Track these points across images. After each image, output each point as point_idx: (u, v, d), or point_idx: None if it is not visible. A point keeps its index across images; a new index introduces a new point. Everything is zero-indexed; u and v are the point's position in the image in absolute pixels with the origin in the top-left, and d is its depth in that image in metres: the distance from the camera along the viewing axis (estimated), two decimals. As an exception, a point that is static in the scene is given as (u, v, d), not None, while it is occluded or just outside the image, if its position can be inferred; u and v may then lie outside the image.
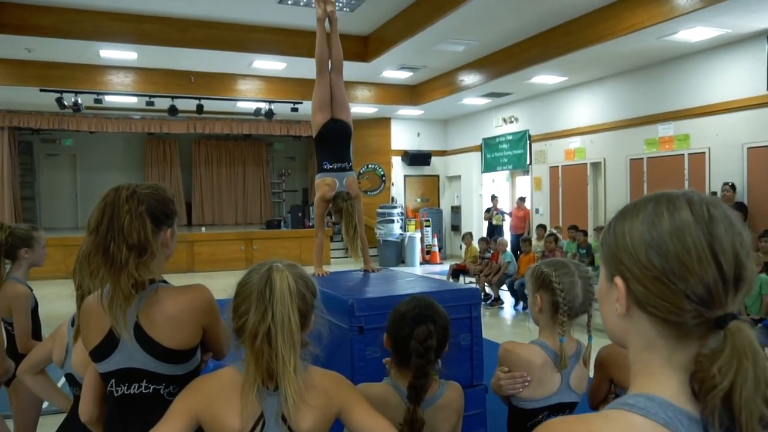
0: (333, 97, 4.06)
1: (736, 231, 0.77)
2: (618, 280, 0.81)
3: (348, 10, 9.09)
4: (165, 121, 14.13)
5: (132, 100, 12.02)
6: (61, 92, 10.88)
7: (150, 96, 11.46)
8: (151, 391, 1.57)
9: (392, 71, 11.72)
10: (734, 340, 0.72)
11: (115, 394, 1.59)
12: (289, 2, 8.68)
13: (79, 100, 11.08)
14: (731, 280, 0.75)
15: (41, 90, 10.74)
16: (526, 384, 1.83)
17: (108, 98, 11.59)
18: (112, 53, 10.00)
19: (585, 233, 9.31)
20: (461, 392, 1.90)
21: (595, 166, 10.95)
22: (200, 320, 1.58)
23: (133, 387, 1.57)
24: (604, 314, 0.88)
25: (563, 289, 1.83)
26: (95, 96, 11.19)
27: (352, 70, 11.33)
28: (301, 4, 8.76)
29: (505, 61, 10.20)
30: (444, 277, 10.37)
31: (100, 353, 1.59)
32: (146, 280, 1.56)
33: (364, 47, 10.62)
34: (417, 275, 3.79)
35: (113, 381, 1.59)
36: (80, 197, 16.43)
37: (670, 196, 0.81)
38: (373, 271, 3.94)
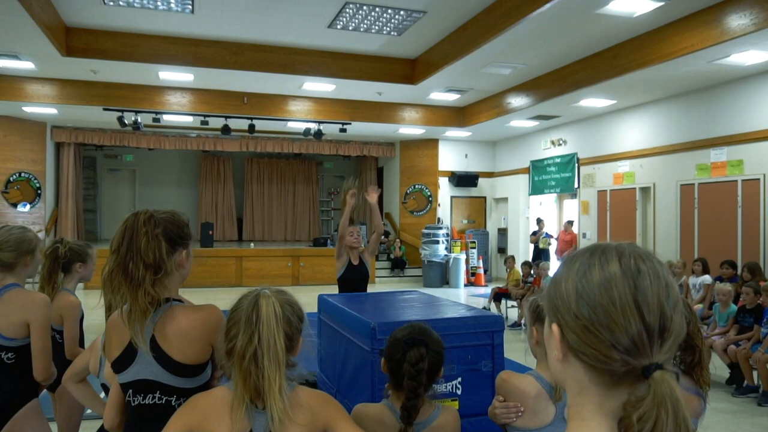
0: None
1: (661, 284, 0.80)
2: (554, 327, 0.85)
3: (396, 34, 9.27)
4: (219, 139, 14.64)
5: (188, 119, 12.52)
6: (123, 111, 11.45)
7: (205, 115, 11.91)
8: (163, 402, 1.71)
9: (440, 93, 11.82)
10: (656, 389, 0.76)
11: (133, 404, 1.74)
12: (338, 26, 8.91)
13: (139, 119, 11.62)
14: (656, 331, 0.78)
15: (104, 109, 11.33)
16: (520, 414, 1.87)
17: (165, 117, 12.12)
18: (170, 75, 10.48)
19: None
20: (457, 416, 1.97)
21: (645, 190, 10.72)
22: (210, 337, 1.71)
23: (148, 397, 1.71)
24: (548, 358, 0.92)
25: None
26: (154, 115, 11.72)
27: (399, 92, 11.54)
28: (350, 28, 8.98)
29: (553, 83, 10.16)
30: (487, 300, 10.31)
31: (120, 364, 1.74)
32: (162, 297, 1.72)
33: (412, 70, 10.78)
34: (443, 299, 3.82)
35: (131, 391, 1.73)
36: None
37: (604, 248, 0.85)
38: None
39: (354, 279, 5.26)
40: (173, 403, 1.70)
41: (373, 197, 5.56)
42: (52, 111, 11.86)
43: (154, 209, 1.80)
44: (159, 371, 1.69)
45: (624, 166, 11.21)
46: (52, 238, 3.23)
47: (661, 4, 6.84)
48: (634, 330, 0.78)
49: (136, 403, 1.73)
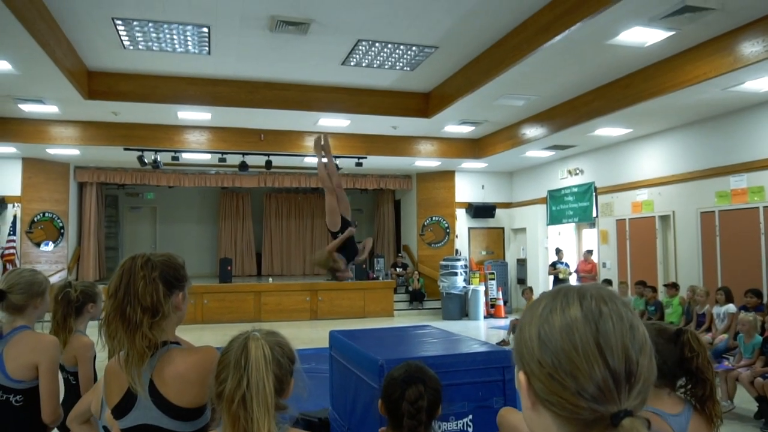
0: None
1: (625, 326, 0.77)
2: (521, 376, 0.82)
3: (408, 69, 9.39)
4: (237, 176, 14.83)
5: (206, 157, 12.73)
6: (143, 150, 11.68)
7: (222, 153, 12.11)
8: None
9: (454, 126, 11.89)
10: None
11: None
12: (352, 63, 9.05)
13: (159, 158, 11.85)
14: (622, 376, 0.75)
15: (125, 149, 11.59)
16: None
17: (184, 155, 12.34)
18: (188, 114, 10.71)
19: (654, 289, 8.94)
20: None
21: (664, 219, 10.58)
22: (207, 379, 1.70)
23: None
24: (522, 406, 0.87)
25: None
26: (173, 153, 11.94)
27: (413, 125, 11.63)
28: (363, 65, 9.12)
29: (567, 114, 10.17)
30: (506, 332, 10.16)
31: (119, 411, 1.73)
32: (159, 341, 1.72)
33: (425, 104, 10.88)
34: (454, 334, 3.78)
35: None
36: (159, 247, 17.30)
37: (567, 291, 0.82)
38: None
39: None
40: None
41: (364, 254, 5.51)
42: (74, 152, 12.15)
43: (151, 252, 1.82)
44: (159, 416, 1.69)
45: (642, 195, 11.10)
46: (65, 278, 3.23)
47: (672, 33, 6.86)
48: (599, 376, 0.74)
49: None
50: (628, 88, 8.61)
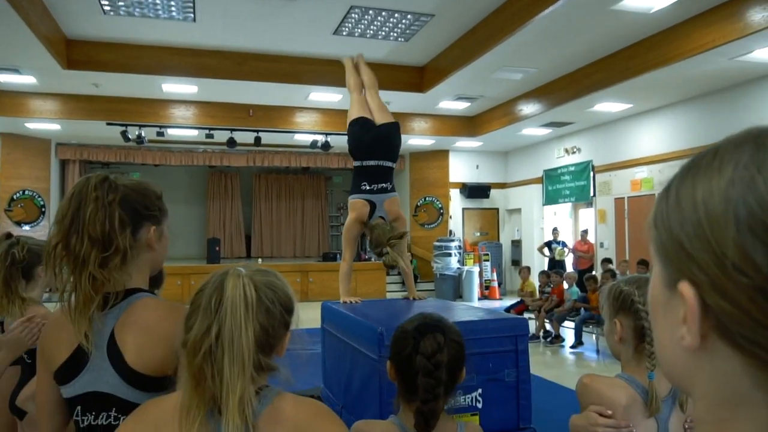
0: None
1: None
2: (685, 289, 0.48)
3: (403, 40, 9.02)
4: (226, 154, 14.44)
5: (193, 133, 12.33)
6: (126, 125, 11.25)
7: (210, 129, 11.71)
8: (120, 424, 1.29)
9: (449, 102, 11.55)
10: None
11: (81, 425, 1.35)
12: (344, 32, 8.68)
13: (143, 133, 11.43)
14: None
15: (107, 123, 11.15)
16: None
17: (170, 131, 11.92)
18: (173, 87, 10.29)
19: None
20: (483, 435, 1.60)
21: (665, 197, 10.32)
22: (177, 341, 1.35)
23: (101, 416, 1.33)
24: (658, 339, 0.55)
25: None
26: (158, 129, 11.52)
27: (407, 101, 11.27)
28: (356, 34, 8.75)
29: (566, 88, 9.85)
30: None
31: (66, 373, 1.36)
32: (120, 285, 1.36)
33: (420, 78, 10.52)
34: (458, 304, 3.48)
35: (79, 408, 1.35)
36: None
37: None
38: (416, 299, 3.67)
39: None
40: None
41: None
42: (55, 127, 11.69)
43: (116, 175, 1.44)
44: (116, 382, 1.31)
45: (641, 173, 10.84)
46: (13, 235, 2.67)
47: (680, -3, 6.54)
48: None
49: (86, 423, 1.34)
50: (632, 59, 8.30)
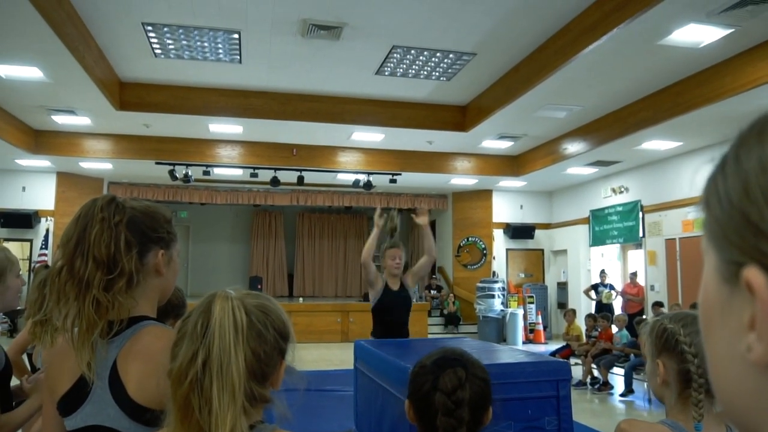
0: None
1: None
2: (754, 275, 0.37)
3: (445, 79, 9.04)
4: (270, 193, 14.65)
5: (238, 173, 12.55)
6: (174, 164, 11.55)
7: (254, 168, 11.90)
8: None
9: (492, 141, 11.46)
10: None
11: None
12: (386, 72, 8.76)
13: (190, 173, 11.70)
14: None
15: (156, 162, 11.47)
16: None
17: (216, 170, 12.18)
18: (220, 127, 10.55)
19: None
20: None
21: (719, 238, 9.87)
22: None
23: None
24: (713, 359, 0.43)
25: (697, 353, 1.29)
26: (204, 168, 11.78)
27: (450, 140, 11.25)
28: (398, 74, 8.82)
29: (612, 126, 9.64)
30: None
31: (68, 404, 1.30)
32: (120, 310, 1.28)
33: (462, 117, 10.50)
34: (498, 346, 3.32)
35: None
36: (191, 267, 17.21)
37: None
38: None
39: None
40: None
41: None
42: (107, 166, 12.10)
43: (125, 198, 1.40)
44: (117, 415, 1.24)
45: (694, 212, 10.43)
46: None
47: (731, 31, 6.34)
48: None
49: None
50: (679, 95, 8.07)
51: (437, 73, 8.81)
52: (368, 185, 12.71)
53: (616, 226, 12.64)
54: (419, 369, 1.39)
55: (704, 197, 0.44)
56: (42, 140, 10.81)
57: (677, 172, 10.88)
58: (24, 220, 12.26)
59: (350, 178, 12.96)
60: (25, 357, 2.99)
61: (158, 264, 1.38)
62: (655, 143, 10.00)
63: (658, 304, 9.50)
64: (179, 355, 0.99)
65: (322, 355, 9.65)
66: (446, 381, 1.30)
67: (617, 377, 8.42)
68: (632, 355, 8.02)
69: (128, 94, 9.26)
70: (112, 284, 1.27)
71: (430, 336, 13.65)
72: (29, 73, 7.73)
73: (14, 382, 2.21)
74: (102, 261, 1.27)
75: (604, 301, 11.95)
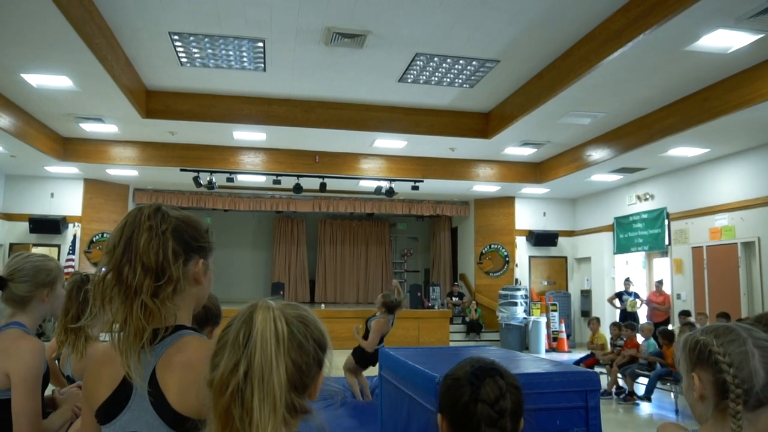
0: None
1: None
2: None
3: (468, 86, 9.03)
4: (292, 200, 14.73)
5: (261, 179, 12.65)
6: (198, 171, 11.69)
7: (277, 175, 11.98)
8: None
9: (515, 148, 11.40)
10: None
11: None
12: (409, 80, 8.77)
13: (214, 179, 11.82)
14: None
15: (181, 170, 11.61)
16: None
17: (239, 177, 12.29)
18: (243, 134, 10.65)
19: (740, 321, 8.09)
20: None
21: (748, 246, 9.69)
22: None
23: None
24: None
25: (732, 363, 1.27)
26: (228, 175, 11.90)
27: (472, 147, 11.22)
28: (421, 81, 8.83)
29: (637, 132, 9.53)
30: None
31: (108, 411, 1.30)
32: (168, 320, 1.30)
33: (485, 124, 10.47)
34: (523, 355, 3.29)
35: None
36: (214, 273, 17.18)
37: None
38: None
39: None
40: None
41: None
42: (133, 173, 12.29)
43: (165, 204, 1.41)
44: (156, 423, 1.24)
45: (722, 220, 10.25)
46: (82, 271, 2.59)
47: (761, 36, 6.24)
48: None
49: None
50: (707, 101, 7.96)
51: (460, 80, 8.81)
52: (390, 192, 12.72)
53: (641, 234, 12.48)
54: (452, 381, 1.38)
55: None
56: (70, 147, 11.02)
57: (704, 179, 10.72)
58: (52, 226, 12.49)
59: (372, 185, 12.99)
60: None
61: (197, 273, 1.38)
62: (682, 150, 9.86)
63: (684, 313, 9.34)
64: (220, 365, 1.00)
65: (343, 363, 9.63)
66: (488, 391, 1.30)
67: (642, 387, 8.29)
68: (658, 364, 7.89)
69: (154, 102, 9.40)
70: (160, 291, 1.29)
71: (451, 344, 13.58)
72: (59, 82, 7.90)
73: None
74: (151, 268, 1.28)
75: (629, 309, 11.79)
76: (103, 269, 1.31)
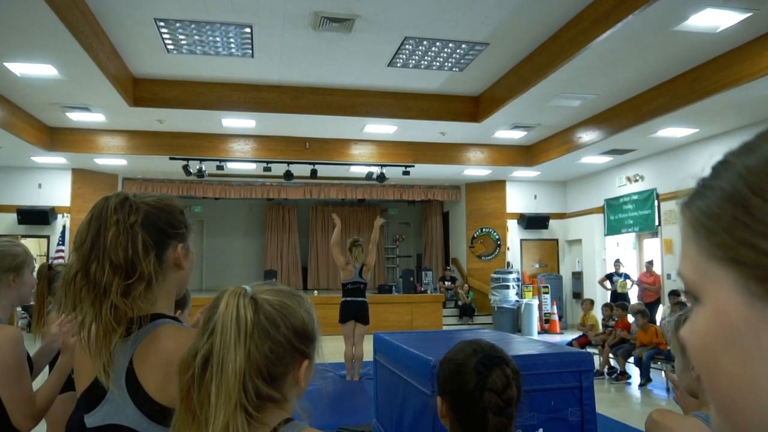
0: None
1: None
2: None
3: (457, 70, 8.99)
4: (283, 187, 14.68)
5: (251, 167, 12.59)
6: (188, 159, 11.60)
7: (267, 162, 11.93)
8: None
9: (505, 131, 11.40)
10: None
11: None
12: (398, 64, 8.72)
13: (204, 167, 11.75)
14: None
15: (170, 158, 11.53)
16: None
17: (229, 165, 12.22)
18: (233, 122, 10.57)
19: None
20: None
21: (737, 225, 9.76)
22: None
23: None
24: (742, 376, 0.39)
25: None
26: (218, 162, 11.83)
27: (463, 131, 11.20)
28: (410, 65, 8.78)
29: (626, 114, 9.54)
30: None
31: (87, 403, 1.27)
32: (142, 313, 1.25)
33: (475, 107, 10.44)
34: (517, 336, 3.31)
35: None
36: (206, 261, 17.31)
37: None
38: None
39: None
40: None
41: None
42: (122, 162, 12.19)
43: (135, 193, 1.35)
44: (135, 415, 1.20)
45: (711, 200, 10.31)
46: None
47: (749, 15, 6.24)
48: None
49: None
50: (696, 81, 7.97)
51: (449, 64, 8.77)
52: (381, 178, 12.70)
53: (632, 215, 12.55)
54: (457, 367, 1.38)
55: (716, 172, 0.39)
56: (57, 137, 10.90)
57: (694, 159, 10.76)
58: (41, 217, 12.39)
59: (363, 170, 12.96)
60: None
61: (177, 258, 1.34)
62: (671, 131, 9.89)
63: (674, 293, 9.42)
64: (187, 348, 0.99)
65: (338, 348, 9.66)
66: (496, 380, 1.31)
67: (634, 367, 8.38)
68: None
69: (141, 90, 9.30)
70: (131, 289, 1.23)
71: (444, 327, 13.66)
72: (44, 71, 7.79)
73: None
74: (119, 265, 1.22)
75: (620, 290, 11.88)
76: (72, 268, 1.25)
